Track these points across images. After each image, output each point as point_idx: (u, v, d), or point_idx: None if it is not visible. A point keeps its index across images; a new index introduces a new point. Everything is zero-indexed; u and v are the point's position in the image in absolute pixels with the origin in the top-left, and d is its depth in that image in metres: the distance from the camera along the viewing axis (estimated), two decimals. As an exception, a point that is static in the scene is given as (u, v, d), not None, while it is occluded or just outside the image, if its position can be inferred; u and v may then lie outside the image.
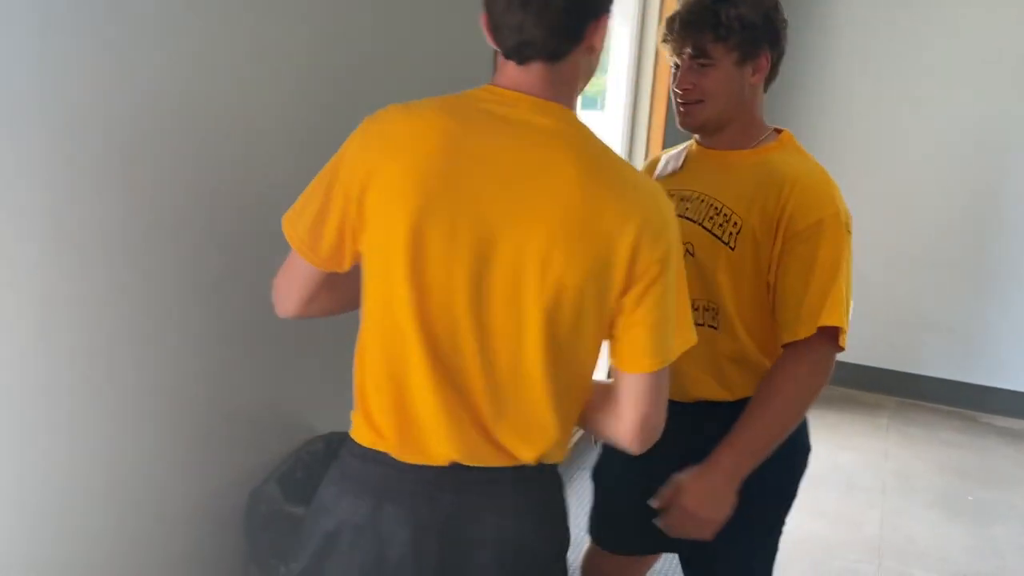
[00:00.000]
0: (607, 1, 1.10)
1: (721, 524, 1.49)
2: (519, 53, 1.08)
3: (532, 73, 1.09)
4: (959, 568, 2.97)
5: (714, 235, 1.54)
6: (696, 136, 1.67)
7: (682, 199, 1.60)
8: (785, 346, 1.51)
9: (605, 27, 1.10)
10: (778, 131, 1.64)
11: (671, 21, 1.55)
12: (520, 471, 1.15)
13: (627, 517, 1.76)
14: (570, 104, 1.13)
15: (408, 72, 1.89)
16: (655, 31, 3.85)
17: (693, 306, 1.49)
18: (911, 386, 4.64)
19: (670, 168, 1.68)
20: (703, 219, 1.56)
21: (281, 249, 1.20)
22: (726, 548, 1.58)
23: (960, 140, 4.38)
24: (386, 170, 1.06)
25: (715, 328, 1.56)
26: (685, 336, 1.16)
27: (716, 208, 1.55)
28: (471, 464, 1.13)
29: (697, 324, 1.48)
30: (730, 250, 1.52)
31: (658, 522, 1.52)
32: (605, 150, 1.11)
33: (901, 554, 3.05)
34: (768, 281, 1.53)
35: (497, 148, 1.06)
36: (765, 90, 1.62)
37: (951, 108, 4.37)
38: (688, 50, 1.52)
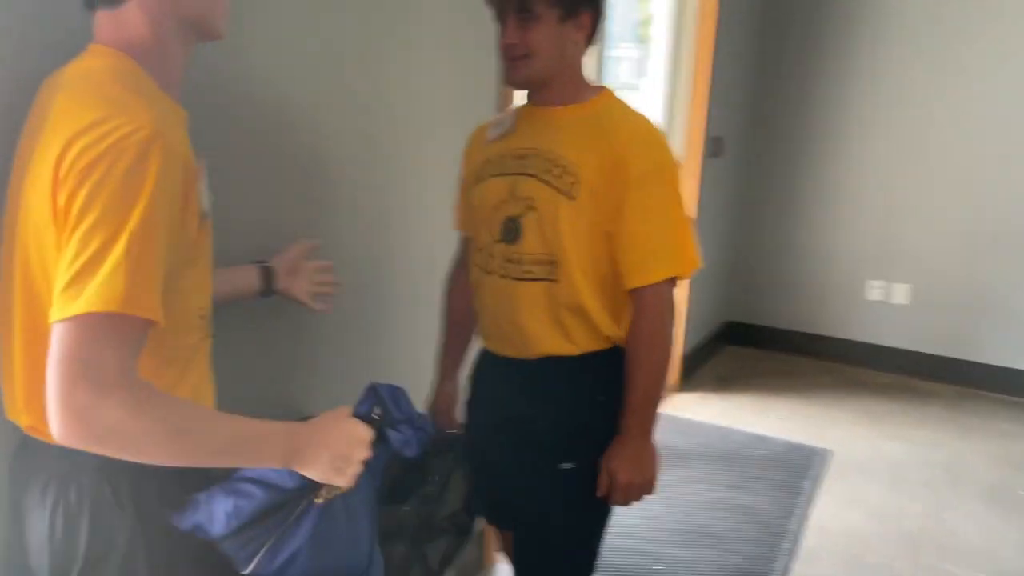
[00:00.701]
0: None
1: (657, 478, 1.67)
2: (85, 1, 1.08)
3: (98, 22, 1.08)
4: (1005, 566, 2.82)
5: (553, 187, 1.58)
6: (524, 97, 1.70)
7: (518, 157, 1.64)
8: (632, 291, 1.60)
9: None
10: (601, 87, 1.68)
11: None
12: (43, 446, 1.04)
13: (492, 492, 1.78)
14: (147, 51, 1.06)
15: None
16: (693, 7, 3.73)
17: (533, 260, 1.61)
18: (969, 374, 4.42)
19: (501, 131, 1.71)
20: (541, 172, 1.60)
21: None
22: (559, 517, 1.70)
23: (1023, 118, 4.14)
24: None
25: (554, 281, 1.61)
26: (103, 292, 0.90)
27: (552, 160, 1.59)
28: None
29: (538, 279, 1.61)
30: (570, 200, 1.56)
31: (611, 502, 1.66)
32: (109, 79, 1.02)
33: (942, 550, 2.91)
34: (607, 230, 1.58)
35: (41, 99, 1.07)
36: (586, 50, 1.66)
37: (1014, 84, 4.13)
38: (511, 6, 1.55)
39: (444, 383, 1.91)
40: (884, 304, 4.59)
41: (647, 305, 1.60)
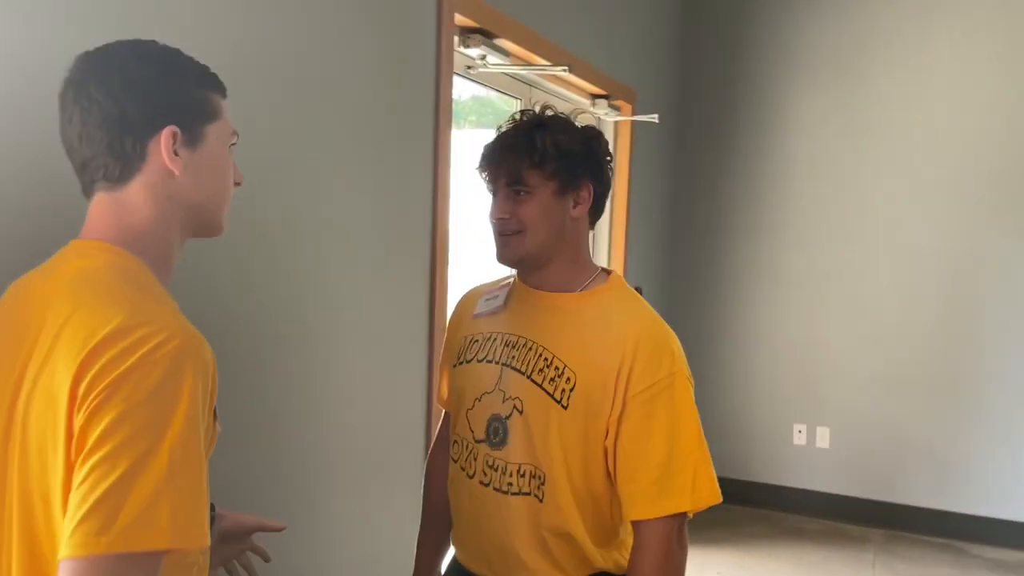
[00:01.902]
0: (168, 113, 0.98)
1: None
2: (82, 183, 1.01)
3: (96, 208, 1.00)
4: None
5: (545, 391, 1.40)
6: (516, 274, 1.55)
7: (508, 344, 1.47)
8: (634, 522, 1.40)
9: (172, 141, 0.98)
10: (607, 271, 1.53)
11: (486, 149, 1.47)
12: None
13: None
14: (146, 238, 0.99)
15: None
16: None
17: (519, 471, 1.41)
18: (897, 517, 4.44)
19: (491, 306, 1.54)
20: (532, 371, 1.42)
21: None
22: None
23: (930, 253, 4.36)
24: None
25: (539, 500, 1.41)
26: (143, 526, 0.81)
27: (547, 360, 1.41)
28: None
29: (523, 493, 1.42)
30: (563, 409, 1.39)
31: None
32: (116, 283, 0.94)
33: None
34: (606, 447, 1.40)
35: (16, 311, 0.98)
36: (591, 226, 1.52)
37: (917, 227, 4.38)
38: (503, 178, 1.43)
39: None
40: (808, 448, 4.63)
41: (650, 541, 1.37)
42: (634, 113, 3.89)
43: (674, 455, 1.37)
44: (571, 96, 3.49)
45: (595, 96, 3.63)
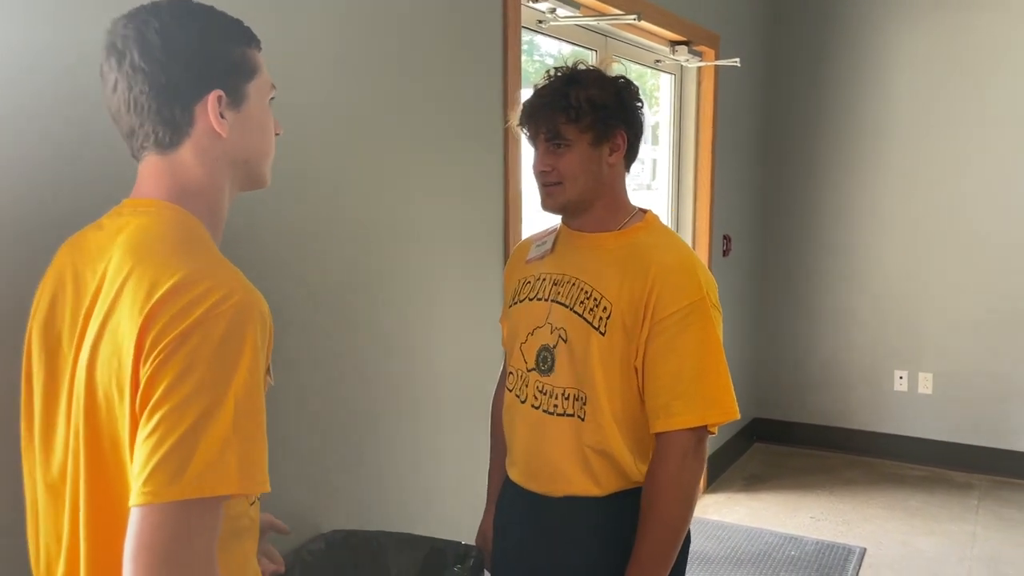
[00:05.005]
0: (213, 77, 1.00)
1: None
2: (130, 147, 1.03)
3: (147, 169, 1.03)
4: (1052, 666, 2.69)
5: (585, 320, 1.53)
6: (561, 219, 1.66)
7: (555, 283, 1.60)
8: (656, 434, 1.51)
9: (218, 105, 1.00)
10: (643, 211, 1.63)
11: (526, 106, 1.56)
12: None
13: None
14: (200, 197, 1.02)
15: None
16: (692, 109, 3.87)
17: (563, 394, 1.53)
18: (1005, 463, 4.30)
19: (541, 251, 1.66)
20: (574, 304, 1.55)
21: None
22: None
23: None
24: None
25: (581, 419, 1.54)
26: (213, 473, 0.84)
27: (586, 292, 1.54)
28: None
29: (567, 414, 1.53)
30: (600, 335, 1.51)
31: None
32: (177, 238, 0.96)
33: (984, 651, 2.79)
34: (636, 366, 1.51)
35: (76, 266, 1.02)
36: (627, 169, 1.61)
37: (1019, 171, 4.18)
38: (543, 133, 1.53)
39: (492, 507, 1.82)
40: (910, 394, 4.53)
41: (667, 452, 1.48)
42: (718, 58, 3.84)
43: (694, 374, 1.47)
44: (648, 44, 3.48)
45: (674, 43, 3.61)
